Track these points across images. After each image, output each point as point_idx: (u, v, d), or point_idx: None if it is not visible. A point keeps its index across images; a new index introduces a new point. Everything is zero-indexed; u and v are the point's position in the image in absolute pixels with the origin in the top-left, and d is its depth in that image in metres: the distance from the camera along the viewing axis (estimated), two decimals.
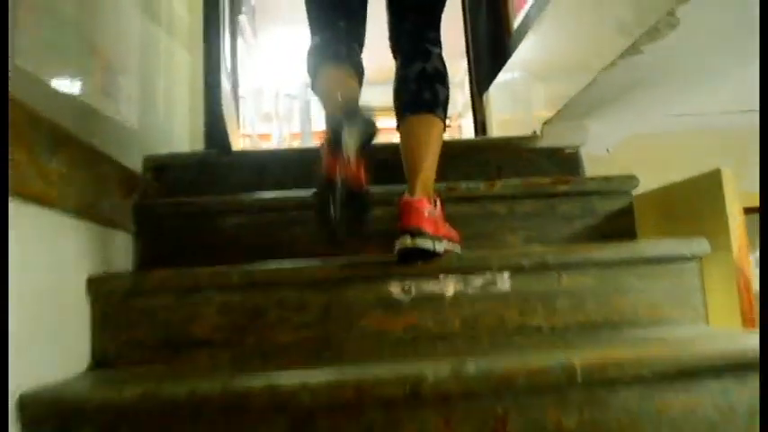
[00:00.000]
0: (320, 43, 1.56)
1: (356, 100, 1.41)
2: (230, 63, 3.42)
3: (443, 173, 1.91)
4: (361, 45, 1.61)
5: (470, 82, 2.78)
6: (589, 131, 2.08)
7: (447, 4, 1.66)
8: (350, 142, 1.28)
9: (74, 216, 1.30)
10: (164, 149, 2.09)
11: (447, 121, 1.58)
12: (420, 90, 1.51)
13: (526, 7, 2.41)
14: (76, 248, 1.33)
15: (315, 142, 7.02)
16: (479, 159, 2.02)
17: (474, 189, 1.70)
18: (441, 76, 1.55)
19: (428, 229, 1.35)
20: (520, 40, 2.43)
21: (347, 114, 1.30)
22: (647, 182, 1.94)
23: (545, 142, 2.04)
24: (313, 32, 1.61)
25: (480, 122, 2.65)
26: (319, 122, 7.30)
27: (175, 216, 1.64)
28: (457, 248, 1.48)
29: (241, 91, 6.67)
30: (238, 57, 4.83)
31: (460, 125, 8.49)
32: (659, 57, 1.46)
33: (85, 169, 1.34)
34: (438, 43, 1.61)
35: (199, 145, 2.31)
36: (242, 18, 5.43)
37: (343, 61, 1.52)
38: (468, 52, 2.79)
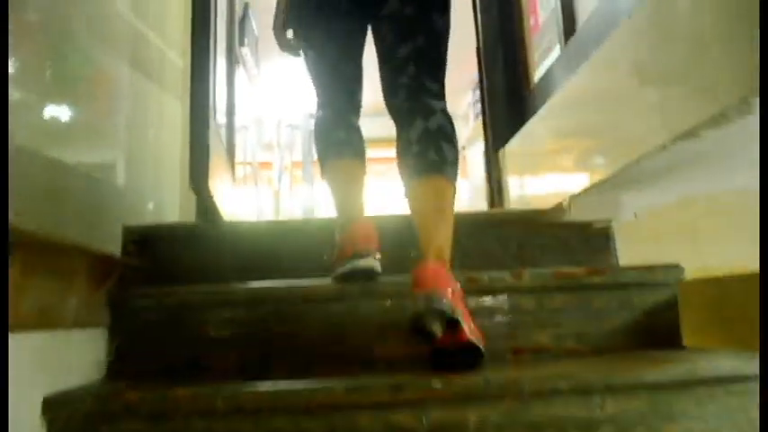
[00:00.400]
0: (325, 121, 1.62)
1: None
2: (227, 103, 3.24)
3: (460, 248, 1.72)
4: (359, 109, 1.66)
5: (485, 138, 2.58)
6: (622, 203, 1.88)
7: (454, 35, 1.49)
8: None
9: (28, 328, 1.09)
10: (151, 213, 1.89)
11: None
12: (424, 151, 1.35)
13: (549, 61, 2.22)
14: (32, 364, 1.11)
15: (315, 171, 6.85)
16: (500, 234, 1.81)
17: (498, 281, 1.48)
18: (446, 135, 1.38)
19: (445, 292, 1.17)
20: (541, 95, 2.23)
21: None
22: (679, 251, 1.76)
23: (572, 216, 1.83)
24: (318, 102, 1.65)
25: (496, 181, 2.45)
26: None
27: (155, 308, 1.43)
28: (481, 346, 1.25)
29: (243, 120, 6.54)
30: (241, 90, 4.67)
31: (465, 157, 8.33)
32: (721, 141, 1.26)
33: (44, 270, 1.13)
34: (442, 97, 1.44)
35: (192, 206, 2.11)
36: (244, 50, 5.29)
37: (347, 151, 1.59)
38: (483, 105, 2.60)
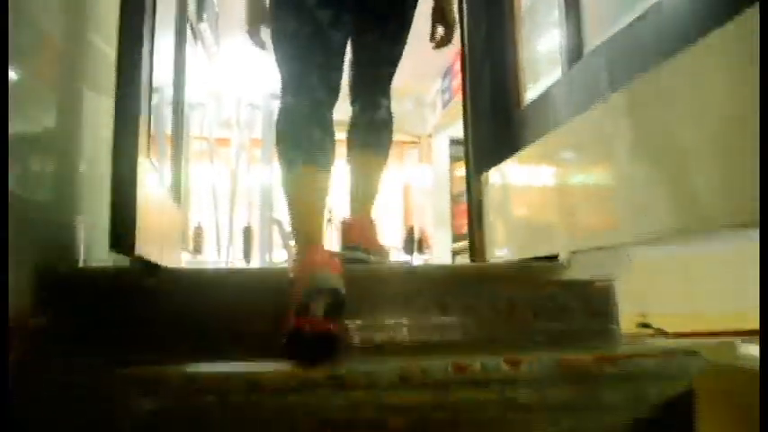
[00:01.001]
0: (296, 114, 1.48)
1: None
2: (175, 81, 2.91)
3: (443, 306, 1.49)
4: (338, 97, 1.57)
5: (466, 157, 2.30)
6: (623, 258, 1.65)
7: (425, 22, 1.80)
8: (318, 310, 1.24)
9: None
10: (78, 248, 1.57)
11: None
12: (368, 136, 1.80)
13: (547, 81, 1.96)
14: None
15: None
16: (490, 291, 1.56)
17: (492, 371, 1.23)
18: (386, 125, 1.82)
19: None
20: (536, 122, 1.98)
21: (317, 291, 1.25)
22: (675, 298, 1.74)
23: (573, 273, 1.59)
24: (286, 88, 1.51)
25: (476, 206, 2.19)
26: None
27: (61, 397, 1.13)
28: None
29: (201, 97, 6.17)
30: (198, 67, 4.31)
31: (430, 144, 8.07)
32: None
33: None
34: (388, 95, 1.81)
35: None
36: (203, 26, 4.91)
37: (321, 158, 1.45)
38: (465, 120, 2.32)
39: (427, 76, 7.35)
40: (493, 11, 2.31)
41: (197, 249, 5.86)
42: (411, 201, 9.45)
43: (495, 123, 2.22)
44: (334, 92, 1.53)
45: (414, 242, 8.45)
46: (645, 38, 1.41)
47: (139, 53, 1.50)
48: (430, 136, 8.10)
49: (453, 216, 7.81)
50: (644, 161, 1.27)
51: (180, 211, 2.29)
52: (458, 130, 7.63)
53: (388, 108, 1.80)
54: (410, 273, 1.63)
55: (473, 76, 2.30)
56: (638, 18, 1.45)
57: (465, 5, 2.34)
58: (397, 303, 1.51)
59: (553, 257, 1.65)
